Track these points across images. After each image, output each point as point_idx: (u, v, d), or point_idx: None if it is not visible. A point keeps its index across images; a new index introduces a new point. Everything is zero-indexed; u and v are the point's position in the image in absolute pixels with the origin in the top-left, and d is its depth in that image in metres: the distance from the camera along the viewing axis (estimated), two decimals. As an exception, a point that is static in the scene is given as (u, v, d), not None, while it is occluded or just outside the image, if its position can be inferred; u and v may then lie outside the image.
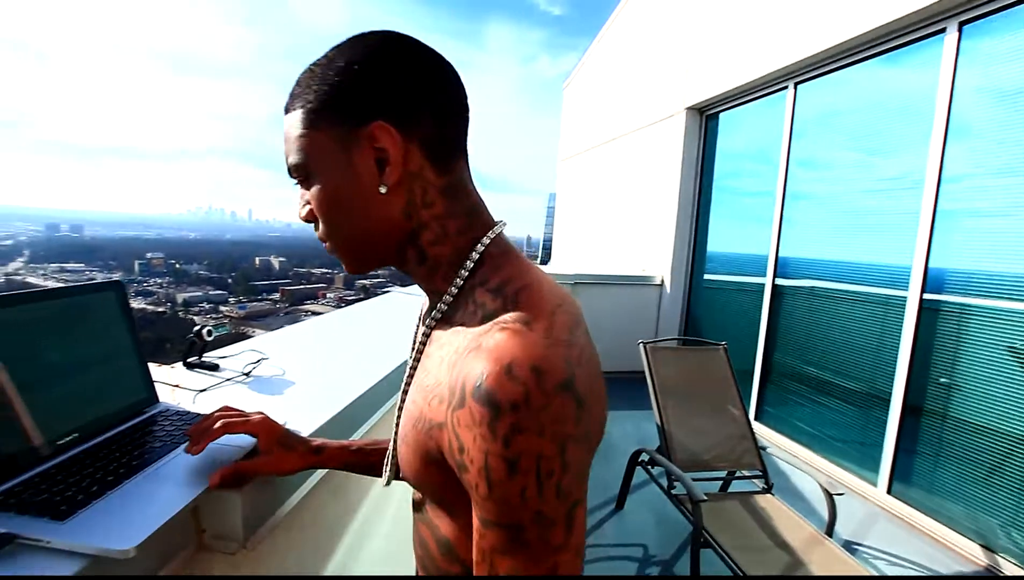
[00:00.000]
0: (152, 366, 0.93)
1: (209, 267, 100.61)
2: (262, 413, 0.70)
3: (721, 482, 2.42)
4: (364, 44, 0.51)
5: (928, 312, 2.52)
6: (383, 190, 0.51)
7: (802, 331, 3.41)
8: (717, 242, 4.54)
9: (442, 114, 0.52)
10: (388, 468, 0.63)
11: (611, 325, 4.63)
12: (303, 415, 0.85)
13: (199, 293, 78.76)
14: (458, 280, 0.53)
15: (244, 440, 0.72)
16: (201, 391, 0.93)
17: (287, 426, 0.80)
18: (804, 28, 3.19)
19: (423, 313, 0.66)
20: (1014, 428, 2.17)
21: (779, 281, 3.61)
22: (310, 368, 1.13)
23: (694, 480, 1.94)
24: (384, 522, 1.28)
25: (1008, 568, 2.14)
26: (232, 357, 1.13)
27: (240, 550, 0.65)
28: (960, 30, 2.40)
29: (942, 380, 2.47)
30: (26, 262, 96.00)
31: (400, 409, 0.58)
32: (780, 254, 3.61)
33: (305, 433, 0.80)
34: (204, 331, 1.01)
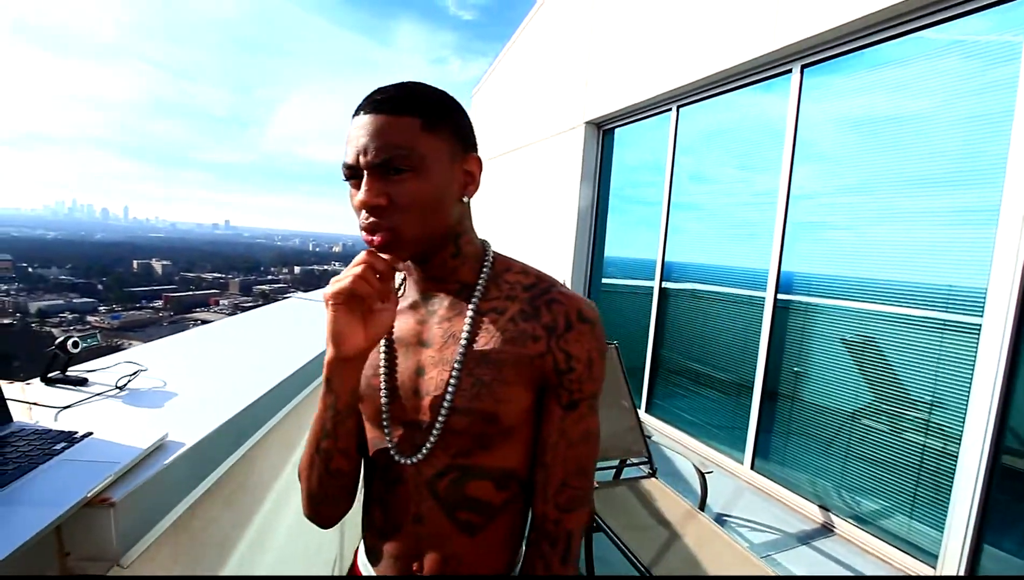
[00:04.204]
0: (3, 383, 0.87)
1: (73, 272, 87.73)
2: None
3: (614, 470, 2.62)
4: (447, 95, 0.66)
5: (780, 310, 2.94)
6: (465, 200, 0.69)
7: (684, 329, 3.79)
8: (614, 248, 4.88)
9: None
10: (431, 441, 0.66)
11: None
12: (184, 427, 0.83)
13: (60, 301, 68.33)
14: (485, 270, 0.72)
15: (122, 456, 0.70)
16: (65, 408, 0.87)
17: (167, 438, 0.79)
18: (684, 58, 3.56)
19: (414, 301, 0.74)
20: (842, 406, 2.60)
21: (666, 284, 3.98)
22: (196, 378, 1.09)
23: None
24: (279, 532, 1.26)
25: (837, 523, 2.55)
26: (103, 370, 1.06)
27: (113, 567, 0.64)
28: (802, 71, 2.84)
29: (795, 369, 2.89)
30: None
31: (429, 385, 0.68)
32: (666, 259, 3.98)
33: (187, 445, 0.79)
34: (69, 343, 0.95)
